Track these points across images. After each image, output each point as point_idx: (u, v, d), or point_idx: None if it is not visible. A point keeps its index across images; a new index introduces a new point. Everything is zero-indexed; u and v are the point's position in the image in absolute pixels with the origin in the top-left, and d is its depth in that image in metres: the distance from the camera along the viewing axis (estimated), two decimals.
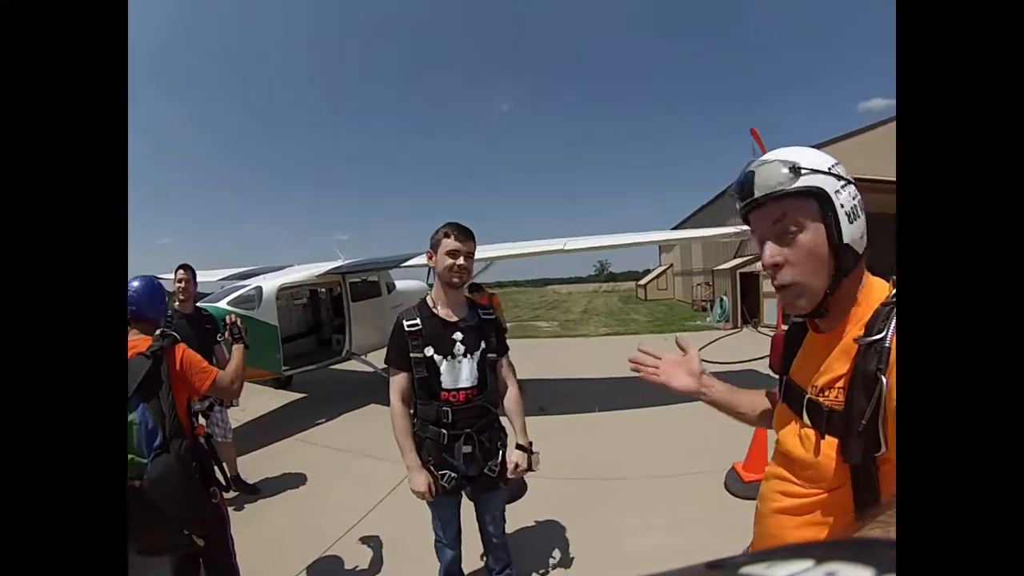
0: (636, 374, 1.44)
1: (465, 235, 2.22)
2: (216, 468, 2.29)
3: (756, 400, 1.35)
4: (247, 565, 2.49)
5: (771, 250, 0.95)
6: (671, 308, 21.86)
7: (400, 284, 9.06)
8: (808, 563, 0.26)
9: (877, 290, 0.96)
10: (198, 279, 4.30)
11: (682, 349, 1.43)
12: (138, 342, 2.17)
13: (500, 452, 2.37)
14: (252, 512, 3.91)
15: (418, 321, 2.23)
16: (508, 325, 7.66)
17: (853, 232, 0.92)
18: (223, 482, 2.31)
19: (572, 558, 3.03)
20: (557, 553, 3.09)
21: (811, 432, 0.97)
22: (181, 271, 4.05)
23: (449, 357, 2.22)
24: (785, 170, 0.92)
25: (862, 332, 0.88)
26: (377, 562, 3.10)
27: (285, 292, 7.17)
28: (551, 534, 3.31)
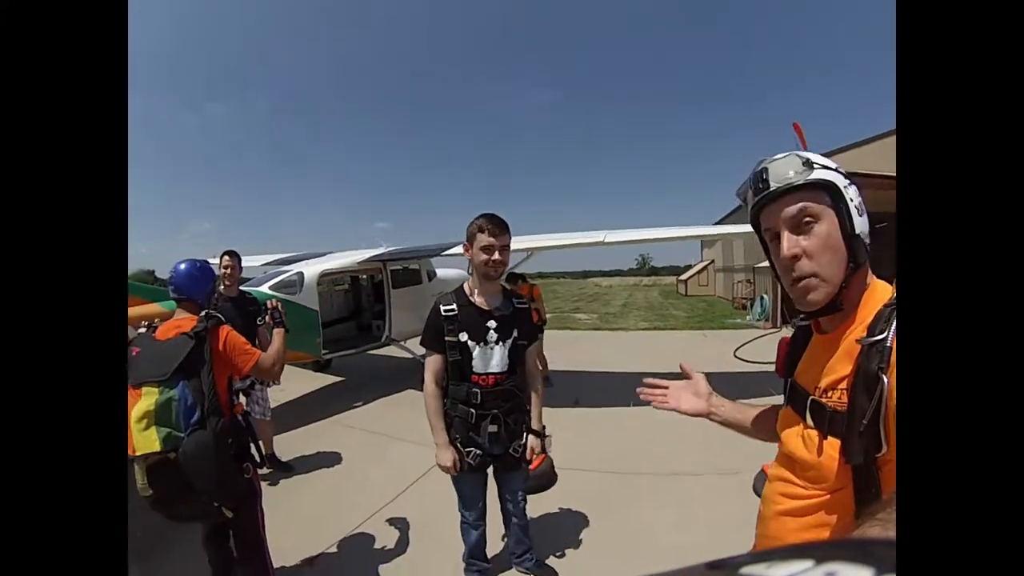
0: (648, 400, 1.45)
1: (499, 228, 2.25)
2: (252, 445, 2.39)
3: (765, 415, 1.35)
4: (277, 538, 2.60)
5: (789, 241, 0.95)
6: (711, 305, 21.41)
7: (441, 272, 9.12)
8: (808, 563, 0.27)
9: (880, 291, 0.97)
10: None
11: (687, 374, 1.45)
12: (183, 322, 2.27)
13: (524, 434, 2.47)
14: (285, 489, 4.05)
15: (455, 307, 2.32)
16: (548, 316, 7.65)
17: (862, 226, 0.94)
18: (258, 459, 2.41)
19: (594, 549, 3.05)
20: (580, 543, 3.11)
21: (814, 433, 0.98)
22: (227, 257, 4.21)
23: (482, 343, 2.32)
24: (799, 163, 0.95)
25: (865, 333, 0.89)
26: (403, 543, 3.18)
27: (326, 278, 7.34)
28: (576, 524, 3.33)
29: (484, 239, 2.23)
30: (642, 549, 3.01)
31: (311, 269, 6.86)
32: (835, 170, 0.96)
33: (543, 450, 2.49)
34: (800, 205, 0.94)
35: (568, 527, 3.29)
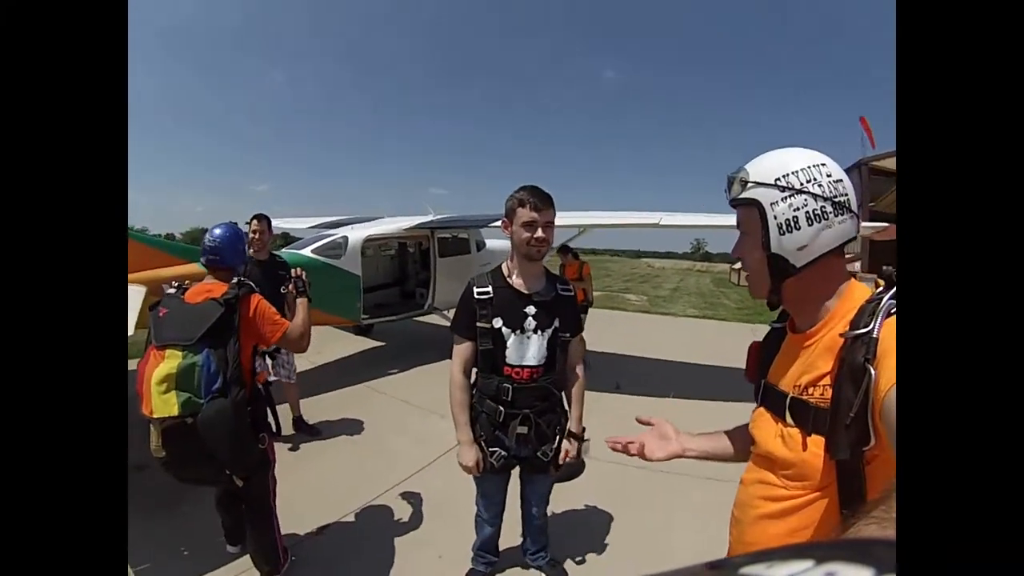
0: (623, 451, 1.44)
1: (543, 202, 2.01)
2: (271, 414, 2.39)
3: (739, 436, 1.31)
4: (294, 504, 2.60)
5: (734, 247, 1.10)
6: None
7: (490, 243, 9.06)
8: (808, 563, 0.26)
9: (859, 291, 0.99)
10: (290, 225, 4.46)
11: (647, 423, 1.44)
12: (213, 287, 2.26)
13: (557, 439, 2.25)
14: (308, 454, 4.07)
15: (489, 290, 2.10)
16: (596, 294, 7.50)
17: (787, 242, 0.97)
18: (274, 428, 2.40)
19: (613, 548, 2.94)
20: (598, 540, 3.00)
21: (795, 431, 0.99)
22: (256, 221, 4.20)
23: (518, 331, 2.09)
24: (738, 183, 1.02)
25: (847, 328, 0.91)
26: (419, 519, 3.16)
27: (372, 243, 7.33)
28: (596, 520, 3.22)
29: (526, 214, 1.99)
30: (664, 553, 2.88)
31: (356, 234, 6.85)
32: (771, 184, 0.97)
33: (578, 455, 2.25)
34: (739, 219, 1.06)
35: (587, 523, 3.17)
